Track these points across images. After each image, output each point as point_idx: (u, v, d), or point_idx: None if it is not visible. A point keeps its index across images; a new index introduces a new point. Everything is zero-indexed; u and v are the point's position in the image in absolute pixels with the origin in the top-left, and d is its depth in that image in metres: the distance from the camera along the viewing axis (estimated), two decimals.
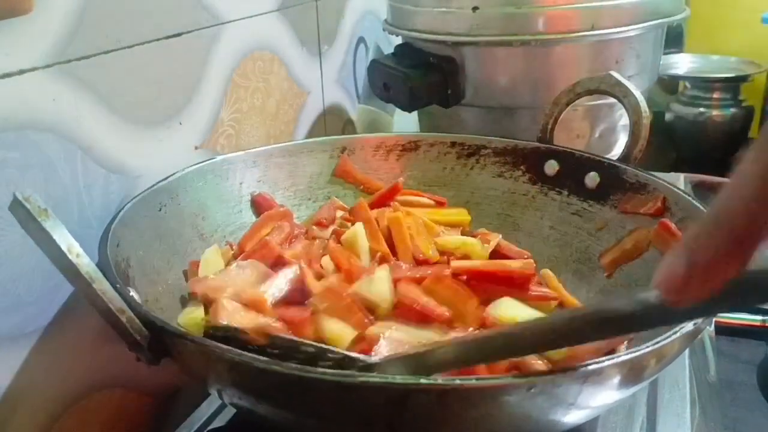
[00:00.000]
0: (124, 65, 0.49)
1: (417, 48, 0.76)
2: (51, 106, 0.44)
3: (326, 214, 0.58)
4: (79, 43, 0.45)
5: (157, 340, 0.37)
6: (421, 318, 0.44)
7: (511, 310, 0.45)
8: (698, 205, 0.48)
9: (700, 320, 0.35)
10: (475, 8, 0.69)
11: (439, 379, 0.30)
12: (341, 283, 0.47)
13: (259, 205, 0.58)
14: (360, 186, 0.63)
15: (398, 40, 0.80)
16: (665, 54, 0.84)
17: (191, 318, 0.45)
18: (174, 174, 0.52)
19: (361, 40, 0.90)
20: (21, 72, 0.41)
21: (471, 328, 0.44)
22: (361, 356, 0.37)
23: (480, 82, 0.73)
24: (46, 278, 0.44)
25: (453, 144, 0.63)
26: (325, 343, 0.39)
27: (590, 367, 0.31)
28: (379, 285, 0.46)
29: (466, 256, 0.51)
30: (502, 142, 0.61)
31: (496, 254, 0.54)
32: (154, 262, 0.47)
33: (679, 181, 0.80)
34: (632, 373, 0.33)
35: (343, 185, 0.62)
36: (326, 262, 0.51)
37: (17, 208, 0.33)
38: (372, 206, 0.58)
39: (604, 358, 0.31)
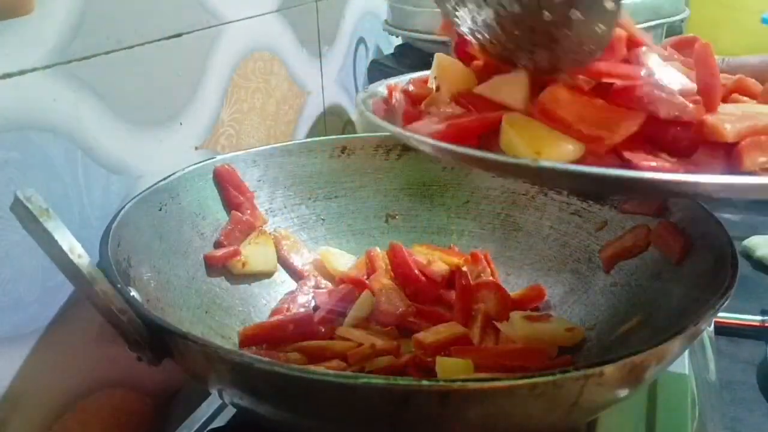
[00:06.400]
0: (125, 65, 0.49)
1: (417, 48, 0.76)
2: (51, 106, 0.44)
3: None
4: (80, 43, 0.45)
5: (158, 340, 0.37)
6: None
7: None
8: (698, 205, 0.48)
9: (700, 321, 0.35)
10: None
11: (441, 381, 0.30)
12: None
13: (221, 177, 0.55)
14: None
15: (398, 40, 0.80)
16: None
17: None
18: (174, 173, 0.52)
19: (361, 40, 0.90)
20: (21, 72, 0.41)
21: None
22: None
23: None
24: (46, 278, 0.44)
25: None
26: None
27: (591, 369, 0.31)
28: None
29: None
30: None
31: None
32: (154, 262, 0.47)
33: None
34: (633, 374, 0.34)
35: (342, 185, 0.62)
36: None
37: (19, 207, 0.33)
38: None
39: (605, 359, 0.31)
